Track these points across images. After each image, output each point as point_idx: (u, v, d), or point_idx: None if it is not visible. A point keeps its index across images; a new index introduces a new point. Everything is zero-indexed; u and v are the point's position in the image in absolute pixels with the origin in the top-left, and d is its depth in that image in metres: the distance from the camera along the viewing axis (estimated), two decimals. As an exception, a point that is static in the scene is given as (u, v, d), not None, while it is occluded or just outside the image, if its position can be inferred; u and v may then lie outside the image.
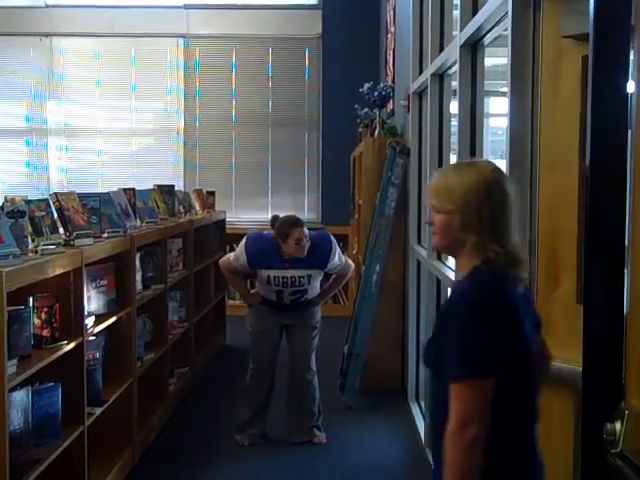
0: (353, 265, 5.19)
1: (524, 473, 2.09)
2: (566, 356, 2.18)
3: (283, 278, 4.76)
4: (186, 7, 9.72)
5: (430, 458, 2.06)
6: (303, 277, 4.78)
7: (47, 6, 9.75)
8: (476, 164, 2.15)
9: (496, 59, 3.83)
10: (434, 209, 2.09)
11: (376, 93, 6.97)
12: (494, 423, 1.94)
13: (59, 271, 3.44)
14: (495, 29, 3.26)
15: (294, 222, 4.74)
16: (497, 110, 4.70)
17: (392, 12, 7.61)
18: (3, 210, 3.14)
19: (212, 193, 7.81)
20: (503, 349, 1.95)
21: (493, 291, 2.00)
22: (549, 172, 2.35)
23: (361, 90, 7.12)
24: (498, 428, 1.96)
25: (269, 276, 4.77)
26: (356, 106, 7.50)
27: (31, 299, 3.41)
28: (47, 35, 9.71)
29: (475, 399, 1.92)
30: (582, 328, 1.35)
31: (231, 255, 5.01)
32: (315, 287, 4.92)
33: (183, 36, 9.74)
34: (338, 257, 4.89)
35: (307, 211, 9.60)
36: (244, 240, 4.89)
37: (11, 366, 3.03)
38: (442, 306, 2.08)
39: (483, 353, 1.93)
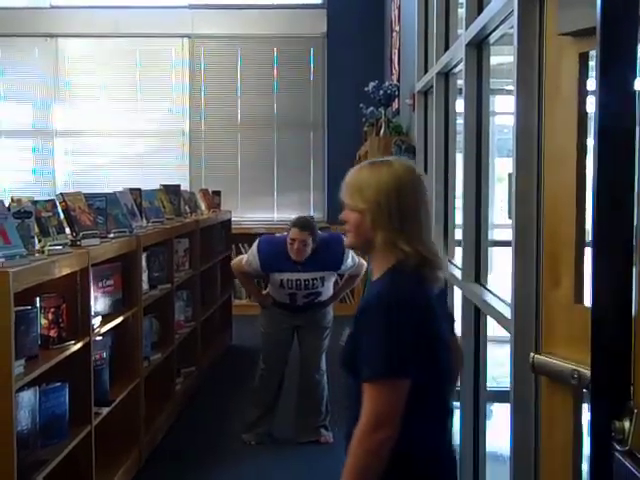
0: (365, 264, 5.18)
1: (439, 467, 2.08)
2: (566, 355, 2.17)
3: (297, 281, 4.73)
4: (191, 7, 9.73)
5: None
6: (316, 279, 4.76)
7: (52, 7, 9.77)
8: (391, 163, 2.12)
9: (502, 57, 3.81)
10: (348, 207, 2.08)
11: (381, 92, 6.97)
12: (409, 421, 1.93)
13: (66, 271, 3.44)
14: (501, 27, 3.24)
15: (294, 223, 4.70)
16: (503, 108, 4.69)
17: (397, 11, 7.61)
18: (10, 211, 3.14)
19: (218, 193, 7.82)
20: (417, 349, 1.94)
21: (405, 291, 1.99)
22: (551, 171, 2.34)
23: (366, 89, 7.12)
24: (414, 426, 1.95)
25: (282, 279, 4.74)
26: (361, 105, 7.51)
27: (38, 299, 3.42)
28: (52, 36, 9.73)
29: (389, 400, 1.91)
30: (590, 326, 1.35)
31: (243, 257, 4.97)
32: (329, 288, 4.89)
33: (188, 36, 9.75)
34: (351, 258, 4.87)
35: (313, 210, 9.60)
36: (256, 244, 4.85)
37: (18, 366, 3.04)
38: (358, 306, 2.07)
39: (397, 353, 1.92)
